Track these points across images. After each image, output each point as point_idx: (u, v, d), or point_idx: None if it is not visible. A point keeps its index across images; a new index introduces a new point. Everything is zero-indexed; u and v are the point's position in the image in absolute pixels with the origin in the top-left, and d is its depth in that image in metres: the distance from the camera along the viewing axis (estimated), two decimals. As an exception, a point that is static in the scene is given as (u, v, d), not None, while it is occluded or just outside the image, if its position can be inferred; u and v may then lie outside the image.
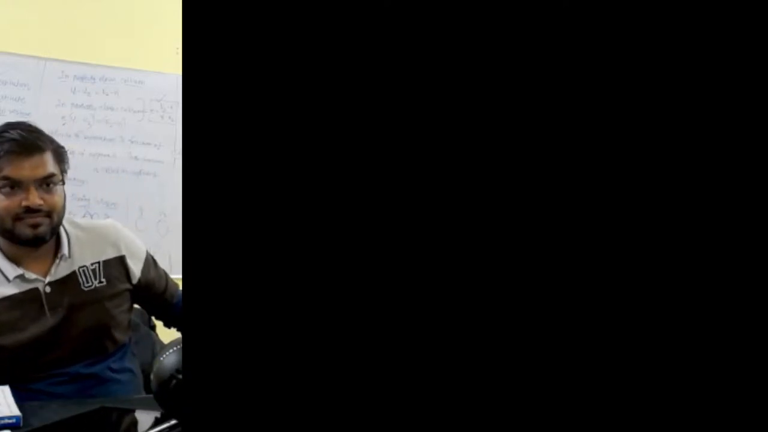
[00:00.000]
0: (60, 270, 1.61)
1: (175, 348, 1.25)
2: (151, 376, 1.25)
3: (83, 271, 1.63)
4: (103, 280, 1.63)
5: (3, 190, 1.56)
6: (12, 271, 1.58)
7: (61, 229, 1.65)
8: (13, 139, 1.57)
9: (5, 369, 1.54)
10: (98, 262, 1.65)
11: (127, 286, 1.67)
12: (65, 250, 1.62)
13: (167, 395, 1.22)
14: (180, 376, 1.21)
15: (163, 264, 1.79)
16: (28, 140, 1.58)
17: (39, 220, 1.56)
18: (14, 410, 1.30)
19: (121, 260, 1.68)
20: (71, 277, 1.61)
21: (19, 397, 1.47)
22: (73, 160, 1.71)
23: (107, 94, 2.75)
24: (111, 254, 1.66)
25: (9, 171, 1.55)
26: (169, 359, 1.22)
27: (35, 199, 1.55)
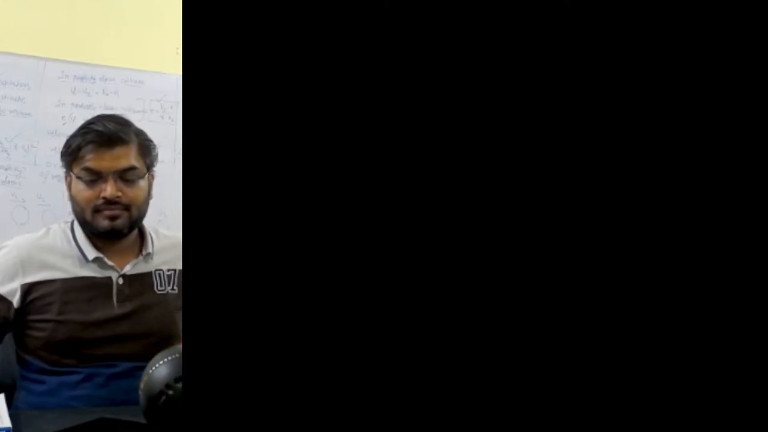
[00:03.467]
0: (138, 267, 1.63)
1: (166, 359, 1.15)
2: (140, 390, 1.16)
3: (159, 274, 1.65)
4: (175, 288, 1.65)
5: (84, 180, 1.56)
6: (92, 252, 1.60)
7: (147, 230, 1.67)
8: (97, 130, 1.57)
9: (61, 343, 1.55)
10: (174, 270, 1.67)
11: None
12: (150, 248, 1.65)
13: (156, 412, 1.13)
14: (170, 392, 1.12)
15: (163, 264, 1.77)
16: (111, 131, 1.57)
17: (117, 212, 1.57)
18: (5, 422, 1.25)
19: None
20: (146, 277, 1.64)
21: (59, 382, 1.50)
22: (73, 159, 1.69)
23: (107, 94, 2.75)
24: None
25: (90, 162, 1.56)
26: (159, 372, 1.14)
27: (113, 191, 1.54)
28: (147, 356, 1.53)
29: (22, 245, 1.60)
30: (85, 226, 1.60)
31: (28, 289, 1.56)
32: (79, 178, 1.57)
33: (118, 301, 1.59)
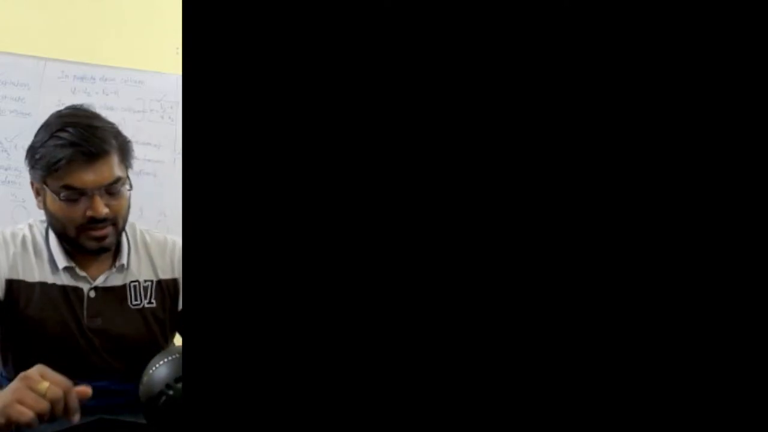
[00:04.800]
0: (111, 279, 1.48)
1: (165, 360, 1.14)
2: (140, 390, 1.14)
3: (134, 286, 1.50)
4: (153, 301, 1.50)
5: (63, 196, 1.38)
6: (63, 261, 1.45)
7: (123, 236, 1.51)
8: (74, 144, 1.37)
9: (28, 350, 1.42)
10: (151, 281, 1.51)
11: (175, 311, 1.53)
12: (124, 259, 1.49)
13: (156, 413, 1.11)
14: (170, 392, 1.11)
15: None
16: (91, 143, 1.37)
17: (105, 231, 1.42)
18: None
19: (175, 283, 1.53)
20: (120, 290, 1.49)
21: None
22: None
23: (107, 94, 2.75)
24: (167, 275, 1.52)
25: (71, 180, 1.37)
26: (159, 372, 1.12)
27: (101, 208, 1.38)
28: (128, 372, 1.38)
29: (9, 241, 1.43)
30: (70, 242, 1.44)
31: (9, 286, 1.44)
32: (56, 193, 1.39)
33: (88, 315, 1.45)
